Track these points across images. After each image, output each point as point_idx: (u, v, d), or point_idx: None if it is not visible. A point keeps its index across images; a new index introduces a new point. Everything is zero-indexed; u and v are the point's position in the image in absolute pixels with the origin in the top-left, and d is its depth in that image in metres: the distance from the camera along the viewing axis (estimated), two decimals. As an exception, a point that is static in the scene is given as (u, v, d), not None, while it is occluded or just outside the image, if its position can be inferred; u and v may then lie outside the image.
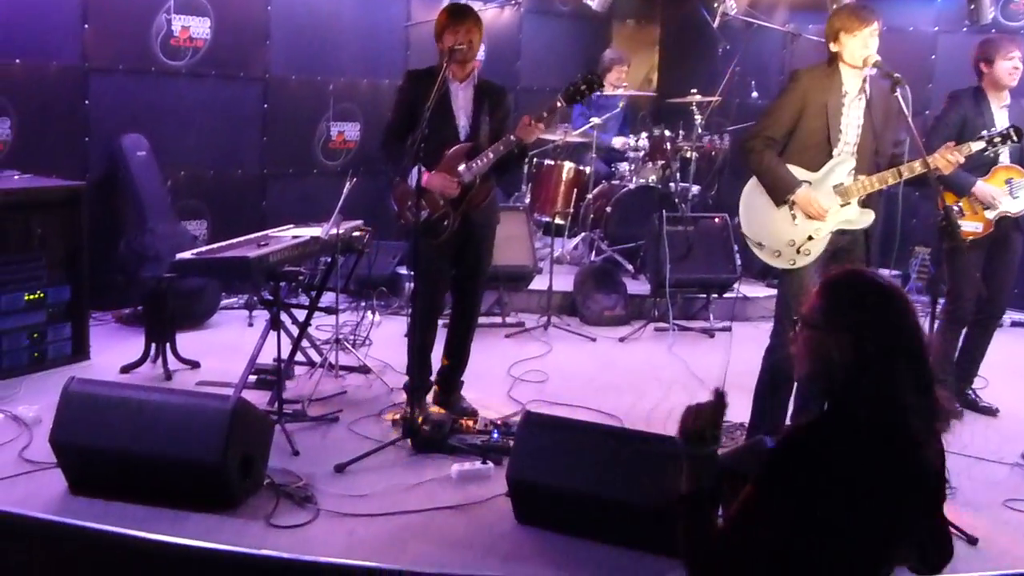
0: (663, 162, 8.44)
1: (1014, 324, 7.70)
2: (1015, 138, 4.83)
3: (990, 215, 5.54)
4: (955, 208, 5.51)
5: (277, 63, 8.05)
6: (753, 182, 4.80)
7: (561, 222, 8.30)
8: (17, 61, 6.58)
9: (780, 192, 4.69)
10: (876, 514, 2.29)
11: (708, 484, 2.50)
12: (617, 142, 8.79)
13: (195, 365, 6.02)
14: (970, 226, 5.51)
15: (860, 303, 2.36)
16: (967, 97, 5.62)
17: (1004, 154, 5.51)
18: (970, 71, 5.75)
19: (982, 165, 5.45)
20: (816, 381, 2.48)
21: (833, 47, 4.65)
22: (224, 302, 7.31)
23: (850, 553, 2.30)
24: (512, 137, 5.00)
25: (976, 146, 4.79)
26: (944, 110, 5.67)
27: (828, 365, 2.38)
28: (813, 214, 4.65)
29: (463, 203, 5.13)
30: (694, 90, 8.50)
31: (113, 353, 6.13)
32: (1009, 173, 5.56)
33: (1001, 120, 5.49)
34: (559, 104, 5.06)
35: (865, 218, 4.77)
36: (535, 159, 8.49)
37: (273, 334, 5.24)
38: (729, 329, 7.26)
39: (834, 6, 4.82)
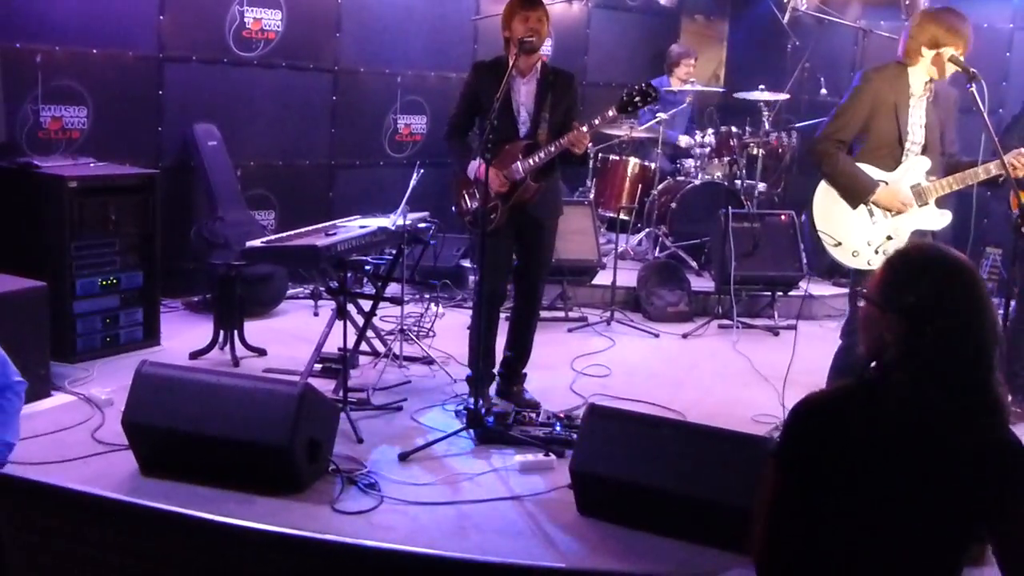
0: (729, 158, 8.39)
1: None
2: None
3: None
4: (1028, 208, 5.41)
5: (347, 55, 8.13)
6: (826, 182, 4.76)
7: (626, 217, 8.29)
8: (95, 50, 6.71)
9: (859, 194, 4.65)
10: (892, 495, 2.20)
11: None
12: (683, 141, 8.74)
13: (262, 353, 6.11)
14: None
15: (917, 281, 2.25)
16: None
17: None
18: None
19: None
20: (870, 361, 2.37)
21: (926, 51, 4.57)
22: (290, 291, 7.40)
23: (867, 536, 2.22)
24: (562, 142, 5.00)
25: None
26: (1022, 108, 5.58)
27: (879, 345, 2.30)
28: (897, 206, 4.59)
29: (512, 198, 5.15)
30: (762, 86, 8.43)
31: (182, 339, 6.25)
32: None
33: None
34: (611, 113, 5.05)
35: (943, 219, 4.73)
36: (600, 154, 8.48)
37: (339, 323, 5.30)
38: (794, 327, 7.19)
39: (918, 7, 4.73)
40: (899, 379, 2.23)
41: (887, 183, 4.62)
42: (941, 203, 4.71)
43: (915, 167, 4.63)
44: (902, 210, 4.60)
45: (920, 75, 4.62)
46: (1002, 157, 4.46)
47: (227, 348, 5.95)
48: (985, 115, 4.43)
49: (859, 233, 4.67)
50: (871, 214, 4.65)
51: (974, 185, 4.65)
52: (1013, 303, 5.44)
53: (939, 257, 2.31)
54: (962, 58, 4.52)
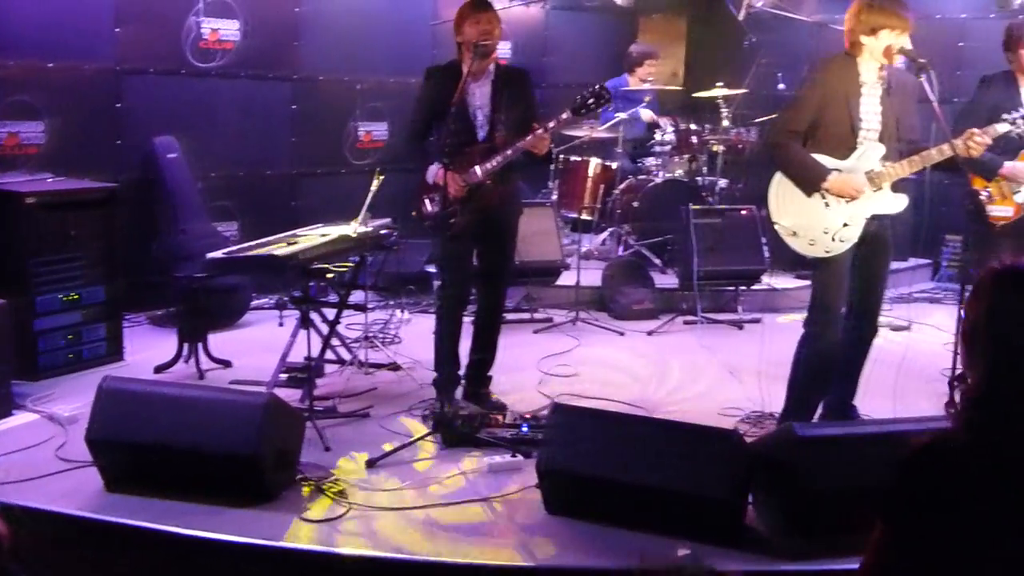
0: (690, 155, 8.44)
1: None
2: None
3: (1020, 199, 5.50)
4: (984, 193, 5.49)
5: (306, 64, 8.12)
6: (781, 173, 4.80)
7: (589, 217, 8.33)
8: (50, 64, 6.67)
9: (811, 182, 4.68)
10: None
11: None
12: (645, 115, 8.77)
13: (227, 364, 6.08)
14: (1000, 210, 5.47)
15: (976, 298, 2.07)
16: (998, 81, 5.60)
17: (1034, 138, 5.47)
18: (1000, 57, 5.72)
19: (1011, 150, 5.42)
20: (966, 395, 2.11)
21: (866, 39, 4.62)
22: (255, 302, 7.38)
23: None
24: (520, 145, 5.03)
25: (1001, 128, 4.75)
26: (975, 95, 5.66)
27: (970, 376, 2.08)
28: (849, 192, 4.63)
29: (472, 202, 5.17)
30: (720, 83, 8.49)
31: (147, 353, 6.21)
32: (1038, 157, 5.52)
33: None
34: (565, 116, 5.09)
35: (899, 203, 4.76)
36: (561, 155, 8.51)
37: (304, 332, 5.29)
38: (759, 321, 7.25)
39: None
40: (993, 429, 1.99)
41: (839, 171, 4.66)
42: (897, 188, 4.75)
43: (869, 154, 4.67)
44: (855, 196, 4.64)
45: (869, 64, 4.66)
46: (951, 140, 4.51)
47: (192, 361, 5.93)
48: (935, 104, 4.49)
49: (815, 222, 4.71)
50: (826, 202, 4.68)
51: (928, 172, 4.69)
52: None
53: (991, 275, 2.08)
54: (907, 39, 4.56)
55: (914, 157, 4.66)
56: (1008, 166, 5.46)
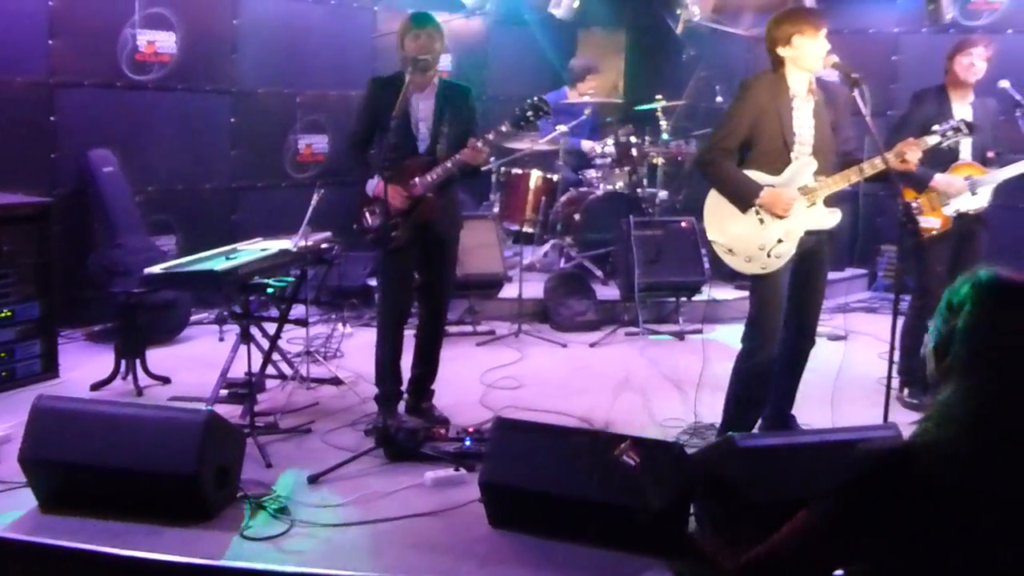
0: (630, 168, 8.50)
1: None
2: (966, 131, 4.89)
3: (948, 211, 5.63)
4: (914, 204, 5.59)
5: (244, 76, 8.06)
6: (715, 191, 4.85)
7: (530, 230, 8.35)
8: (-19, 78, 6.56)
9: (744, 199, 4.73)
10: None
11: None
12: (586, 146, 8.85)
13: (166, 381, 6.01)
14: (928, 222, 5.59)
15: (949, 308, 2.04)
16: (931, 95, 5.71)
17: (966, 150, 5.60)
18: (932, 70, 5.86)
19: (943, 162, 5.54)
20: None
21: (783, 51, 4.68)
22: (194, 317, 7.29)
23: None
24: (458, 158, 5.05)
25: (931, 140, 4.83)
26: (908, 109, 5.77)
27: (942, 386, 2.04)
28: (782, 208, 4.67)
29: (413, 214, 5.16)
30: (659, 96, 8.57)
31: (83, 370, 6.12)
32: (969, 170, 5.65)
33: (962, 115, 5.57)
34: (504, 128, 5.13)
35: (832, 218, 4.82)
36: (503, 168, 8.53)
37: (244, 348, 5.25)
38: (700, 332, 7.31)
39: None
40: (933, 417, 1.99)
41: (773, 187, 4.71)
42: (831, 202, 4.81)
43: (802, 169, 4.73)
44: (784, 211, 4.69)
45: (798, 77, 4.72)
46: (884, 154, 4.59)
47: (129, 378, 5.84)
48: (868, 118, 4.56)
49: (750, 239, 4.75)
50: (760, 219, 4.73)
51: (861, 184, 4.77)
52: (905, 298, 5.62)
53: (976, 285, 2.03)
54: (822, 40, 4.63)
55: (847, 171, 4.72)
56: (939, 178, 5.58)
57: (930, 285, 5.72)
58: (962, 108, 5.64)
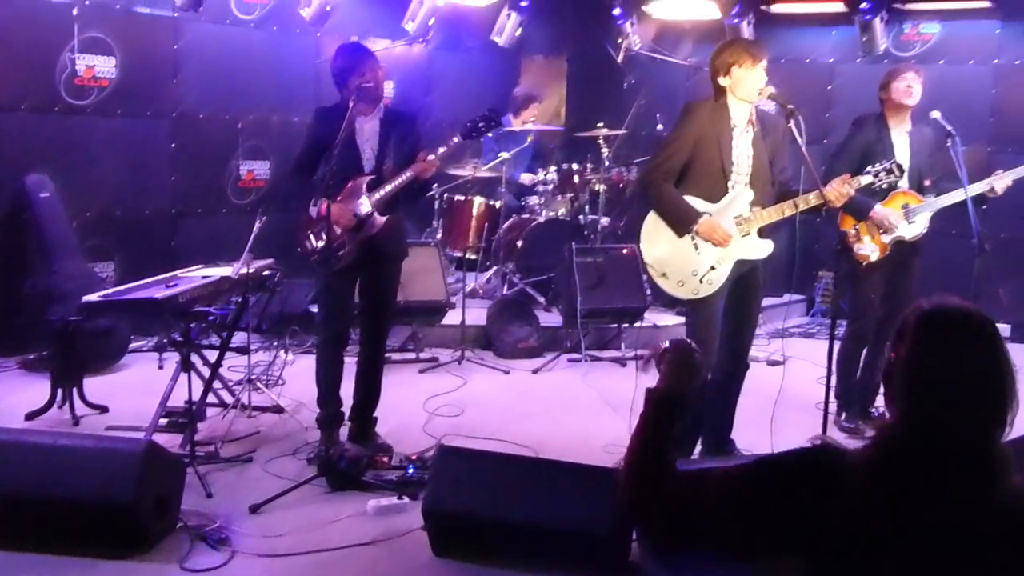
0: (572, 195, 8.56)
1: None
2: (898, 173, 4.99)
3: (886, 239, 5.74)
4: (853, 232, 5.72)
5: (185, 101, 8.01)
6: (654, 214, 4.91)
7: (473, 256, 8.37)
8: (-86, 102, 6.45)
9: (683, 224, 4.80)
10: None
11: (689, 384, 2.36)
12: (525, 178, 8.90)
13: (103, 410, 5.92)
14: (867, 249, 5.70)
15: (901, 335, 2.09)
16: (869, 124, 5.82)
17: (903, 179, 5.71)
18: (866, 98, 5.97)
19: (882, 190, 5.65)
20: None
21: (723, 81, 4.78)
22: (133, 344, 7.20)
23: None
24: (409, 172, 5.06)
25: (865, 180, 4.90)
26: (847, 137, 5.88)
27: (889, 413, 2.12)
28: (717, 240, 4.75)
29: (358, 233, 5.16)
30: (601, 124, 8.66)
31: (17, 399, 6.01)
32: (906, 199, 5.77)
33: (901, 146, 5.70)
34: (455, 140, 5.15)
35: (765, 248, 4.90)
36: (445, 195, 8.56)
37: (184, 376, 5.19)
38: (641, 357, 7.35)
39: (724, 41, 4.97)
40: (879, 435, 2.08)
41: (710, 214, 4.79)
42: (766, 232, 4.90)
43: (738, 199, 4.81)
44: (720, 245, 4.77)
45: (739, 107, 4.81)
46: (821, 189, 4.67)
47: (66, 407, 5.75)
48: (804, 149, 4.65)
49: (684, 264, 4.82)
50: (695, 244, 4.80)
51: (797, 214, 4.85)
52: (841, 323, 5.71)
53: (919, 317, 2.08)
54: (761, 72, 4.73)
55: (782, 204, 4.80)
56: (878, 211, 5.69)
57: (865, 311, 5.85)
58: (900, 136, 5.76)
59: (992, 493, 1.96)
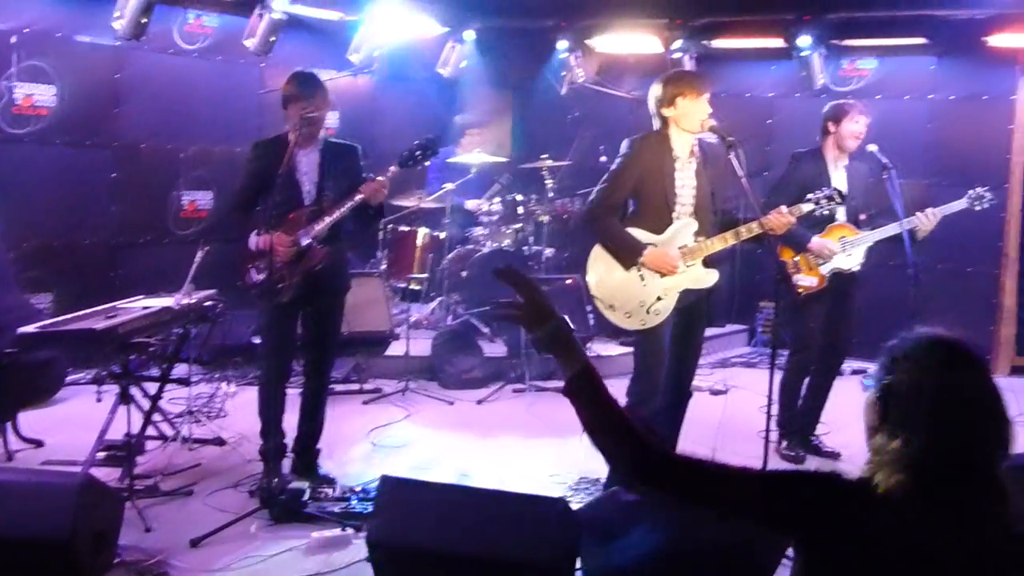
0: (517, 225, 8.60)
1: (854, 372, 8.04)
2: (838, 199, 5.11)
3: (824, 270, 5.83)
4: (792, 263, 5.81)
5: (126, 131, 7.94)
6: (600, 246, 4.95)
7: (417, 287, 8.35)
8: None
9: (628, 257, 4.85)
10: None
11: (580, 354, 2.32)
12: (471, 204, 8.93)
13: (39, 444, 5.82)
14: (805, 280, 5.79)
15: (895, 364, 2.16)
16: (807, 157, 5.93)
17: (840, 213, 5.83)
18: (806, 132, 6.08)
19: (819, 223, 5.76)
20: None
21: (667, 112, 4.85)
22: (71, 377, 7.07)
23: None
24: (359, 196, 5.05)
25: (806, 207, 5.04)
26: (787, 170, 5.98)
27: (870, 428, 2.19)
28: (665, 269, 4.80)
29: (299, 265, 5.14)
30: (545, 155, 8.72)
31: (-49, 433, 5.87)
32: (843, 231, 5.88)
33: (838, 180, 5.82)
34: (393, 169, 5.16)
35: (710, 277, 4.96)
36: (390, 225, 8.55)
37: (123, 408, 5.11)
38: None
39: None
40: (877, 466, 2.13)
41: (655, 245, 4.84)
42: (710, 262, 4.96)
43: (683, 229, 4.88)
44: (669, 272, 4.82)
45: (681, 138, 4.89)
46: (760, 219, 4.76)
47: (0, 441, 5.63)
48: (744, 180, 4.73)
49: (631, 295, 4.87)
50: (641, 276, 4.85)
51: (739, 244, 4.93)
52: (782, 353, 5.78)
53: (923, 344, 2.17)
54: (704, 103, 4.81)
55: (725, 234, 4.88)
56: (815, 242, 5.79)
57: (806, 342, 5.93)
58: (837, 171, 5.87)
59: (1005, 514, 2.06)
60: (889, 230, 5.79)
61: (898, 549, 2.03)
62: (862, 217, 5.96)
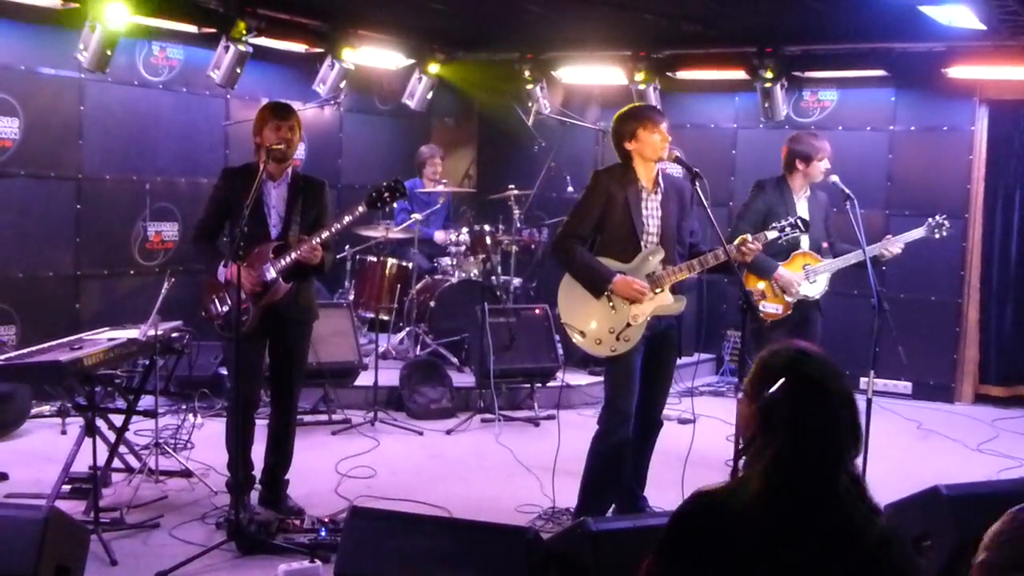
0: (484, 255, 8.63)
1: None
2: (802, 228, 5.19)
3: (789, 298, 5.91)
4: (758, 290, 5.88)
5: (91, 163, 7.89)
6: (569, 276, 5.00)
7: (385, 317, 8.36)
8: None
9: (598, 285, 4.90)
10: None
11: None
12: (438, 236, 8.96)
13: (3, 477, 5.73)
14: (771, 308, 5.87)
15: (774, 378, 2.28)
16: (771, 186, 6.04)
17: (804, 240, 5.92)
18: (768, 162, 6.18)
19: (783, 251, 5.84)
20: (744, 451, 2.37)
21: (628, 144, 4.93)
22: (35, 410, 7.00)
23: None
24: (294, 255, 5.06)
25: (771, 234, 5.12)
26: (751, 198, 6.08)
27: (748, 437, 2.33)
28: (634, 294, 4.85)
29: (264, 299, 5.14)
30: (512, 185, 8.77)
31: (-88, 468, 5.80)
32: (806, 259, 5.97)
33: (801, 208, 5.94)
34: (361, 210, 5.17)
35: (678, 305, 5.02)
36: (357, 256, 8.56)
37: (88, 441, 5.06)
38: (553, 417, 7.39)
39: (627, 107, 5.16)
40: (754, 475, 2.25)
41: (624, 273, 4.89)
42: (677, 290, 5.01)
43: (650, 257, 4.94)
44: (639, 298, 4.87)
45: (646, 170, 4.96)
46: (725, 245, 4.82)
47: (-37, 475, 5.57)
48: (708, 209, 4.81)
49: (601, 323, 4.92)
50: (611, 304, 4.90)
51: (705, 273, 4.99)
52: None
53: (799, 358, 2.31)
54: (662, 133, 4.88)
55: (692, 261, 4.95)
56: (780, 272, 5.88)
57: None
58: (800, 200, 5.99)
59: (853, 520, 2.19)
60: (851, 258, 5.90)
61: (755, 550, 2.16)
62: (824, 245, 6.07)
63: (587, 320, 4.94)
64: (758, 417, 2.28)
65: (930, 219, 6.16)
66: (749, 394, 2.35)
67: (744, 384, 2.40)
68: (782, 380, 2.26)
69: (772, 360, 2.33)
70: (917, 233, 6.09)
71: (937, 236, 6.12)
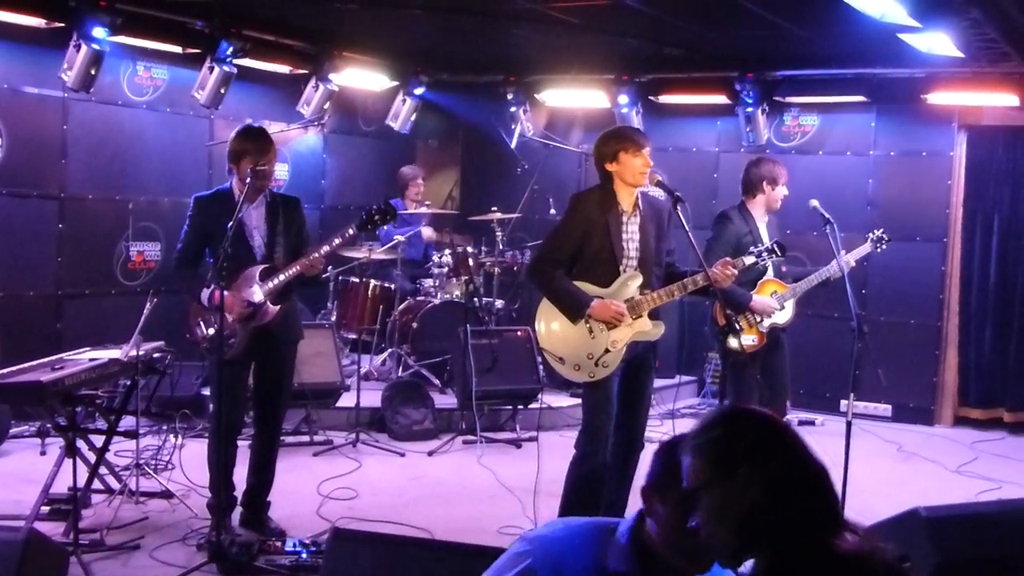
0: (467, 277, 8.64)
1: (801, 423, 8.15)
2: (779, 253, 5.25)
3: (763, 328, 5.99)
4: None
5: (73, 182, 7.88)
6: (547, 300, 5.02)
7: (368, 338, 8.36)
8: None
9: (575, 310, 4.90)
10: None
11: None
12: (426, 233, 9.00)
13: (-18, 497, 5.71)
14: (747, 340, 5.90)
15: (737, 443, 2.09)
16: (736, 215, 6.12)
17: (769, 269, 6.00)
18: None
19: (750, 280, 5.92)
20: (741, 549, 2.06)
21: (610, 167, 4.95)
22: (14, 430, 6.96)
23: None
24: (296, 268, 5.09)
25: (748, 260, 5.19)
26: (719, 230, 6.10)
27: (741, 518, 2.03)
28: (612, 318, 4.86)
29: (250, 322, 5.14)
30: (495, 207, 8.80)
31: None
32: (773, 286, 6.07)
33: (764, 233, 6.01)
34: (351, 232, 5.21)
35: (657, 329, 5.03)
36: (340, 277, 8.56)
37: (69, 461, 5.04)
38: (535, 439, 7.40)
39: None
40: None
41: (602, 298, 4.91)
42: (656, 314, 5.03)
43: (629, 282, 4.95)
44: (617, 323, 4.88)
45: (625, 193, 4.98)
46: (706, 271, 4.85)
47: (-59, 496, 5.53)
48: (690, 233, 4.85)
49: (580, 348, 4.92)
50: (589, 328, 4.91)
51: (684, 297, 5.03)
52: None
53: (777, 424, 2.12)
54: (645, 157, 4.92)
55: (671, 287, 4.97)
56: (757, 301, 5.94)
57: (750, 398, 6.00)
58: (761, 224, 6.12)
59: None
60: (814, 279, 6.09)
61: None
62: (784, 269, 6.17)
63: (565, 345, 4.95)
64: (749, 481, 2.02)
65: (870, 233, 6.48)
66: (711, 461, 2.12)
67: (692, 479, 2.14)
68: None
69: (738, 442, 2.09)
70: (864, 249, 6.39)
71: (879, 249, 6.45)
